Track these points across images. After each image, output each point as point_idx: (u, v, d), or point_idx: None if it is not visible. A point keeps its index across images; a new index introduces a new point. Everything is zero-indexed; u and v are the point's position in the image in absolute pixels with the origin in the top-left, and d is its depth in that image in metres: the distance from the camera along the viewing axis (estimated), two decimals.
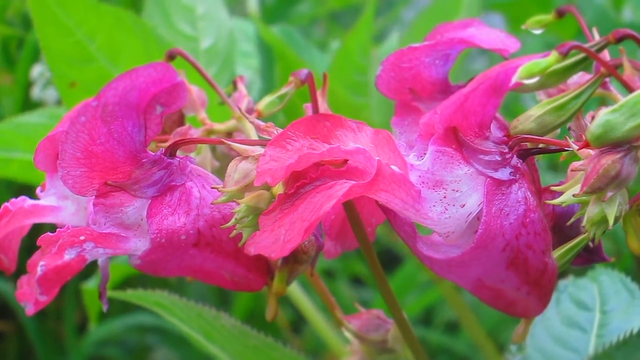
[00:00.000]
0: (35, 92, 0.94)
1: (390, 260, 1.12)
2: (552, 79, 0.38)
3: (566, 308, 0.53)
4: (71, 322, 1.05)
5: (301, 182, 0.36)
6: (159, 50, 0.45)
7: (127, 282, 0.74)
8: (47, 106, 0.94)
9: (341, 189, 0.35)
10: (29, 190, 0.44)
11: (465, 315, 0.83)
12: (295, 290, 0.70)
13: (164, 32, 0.66)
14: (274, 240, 0.35)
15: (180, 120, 0.47)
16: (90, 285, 0.74)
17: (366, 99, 0.79)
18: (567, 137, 0.39)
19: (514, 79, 0.35)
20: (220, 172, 0.46)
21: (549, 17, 0.43)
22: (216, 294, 1.05)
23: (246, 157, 0.37)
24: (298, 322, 1.12)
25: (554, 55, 0.36)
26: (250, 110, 0.45)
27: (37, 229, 0.46)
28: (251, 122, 0.39)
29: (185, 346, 1.04)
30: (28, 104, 0.98)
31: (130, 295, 0.54)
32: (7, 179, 0.71)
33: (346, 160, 0.36)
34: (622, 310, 0.54)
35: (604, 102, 0.63)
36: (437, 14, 0.81)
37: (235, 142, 0.38)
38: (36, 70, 0.95)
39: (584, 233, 0.37)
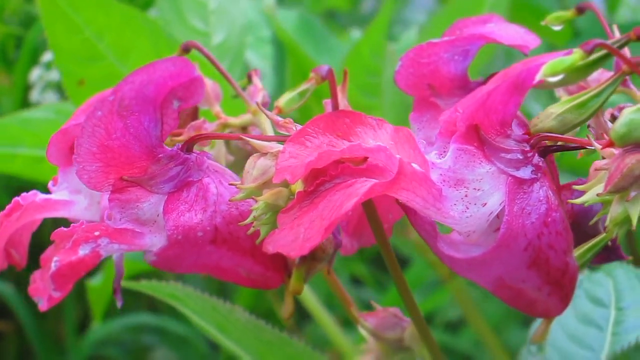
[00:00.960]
0: (34, 96, 0.94)
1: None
2: (575, 76, 0.37)
3: (581, 305, 0.53)
4: (71, 322, 1.04)
5: (321, 179, 0.35)
6: (169, 48, 0.45)
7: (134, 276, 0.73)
8: None
9: (362, 187, 0.34)
10: (28, 190, 0.44)
11: (471, 313, 0.83)
12: None
13: (175, 28, 0.66)
14: (293, 239, 0.34)
15: (194, 114, 0.46)
16: (95, 282, 0.74)
17: (378, 99, 0.78)
18: (589, 135, 0.38)
19: (538, 77, 0.35)
20: (235, 166, 0.46)
21: (568, 13, 0.43)
22: (215, 289, 1.05)
23: (265, 154, 0.36)
24: (300, 319, 1.11)
25: (577, 52, 0.36)
26: (265, 104, 0.45)
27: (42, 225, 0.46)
28: (269, 118, 0.38)
29: (185, 346, 1.04)
30: (27, 107, 0.97)
31: (144, 286, 0.54)
32: (6, 178, 0.70)
33: (366, 158, 0.36)
34: (637, 306, 0.53)
35: None
36: (459, 10, 0.80)
37: (254, 138, 0.37)
38: (35, 74, 0.94)
39: (604, 232, 0.36)
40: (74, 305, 1.04)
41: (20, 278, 0.96)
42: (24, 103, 0.99)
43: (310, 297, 0.70)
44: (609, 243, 0.40)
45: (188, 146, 0.38)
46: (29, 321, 1.00)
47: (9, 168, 0.67)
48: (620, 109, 0.43)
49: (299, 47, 0.76)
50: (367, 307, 0.48)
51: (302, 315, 0.95)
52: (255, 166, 0.36)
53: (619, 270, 0.54)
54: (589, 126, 0.42)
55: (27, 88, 0.98)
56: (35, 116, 0.66)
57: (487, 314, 0.93)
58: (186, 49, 0.44)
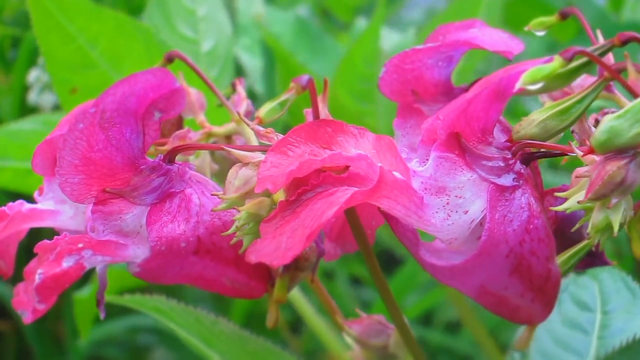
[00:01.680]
0: (32, 97, 0.94)
1: (390, 262, 1.12)
2: (555, 83, 0.37)
3: (567, 309, 0.53)
4: (70, 323, 1.04)
5: (302, 188, 0.35)
6: (162, 56, 0.45)
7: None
8: (43, 111, 0.93)
9: (343, 195, 0.34)
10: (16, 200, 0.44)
11: (467, 315, 0.82)
12: (293, 291, 0.70)
13: (165, 35, 0.66)
14: (275, 248, 0.34)
15: (179, 123, 0.46)
16: (83, 294, 0.74)
17: (371, 106, 0.78)
18: (570, 141, 0.38)
19: (518, 85, 0.35)
20: (220, 175, 0.46)
21: (551, 18, 0.43)
22: (214, 296, 1.05)
23: (247, 164, 0.36)
24: (297, 323, 1.11)
25: (557, 60, 0.35)
26: (249, 113, 0.45)
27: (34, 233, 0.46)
28: (251, 128, 0.38)
29: (184, 346, 1.04)
30: (25, 107, 0.97)
31: (128, 300, 0.54)
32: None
33: (348, 167, 0.36)
34: (623, 310, 0.53)
35: None
36: (456, 14, 0.80)
37: (236, 149, 0.37)
38: (33, 75, 0.94)
39: (588, 238, 0.36)
40: (73, 305, 1.04)
41: (18, 278, 0.96)
42: (23, 104, 0.99)
43: (303, 303, 0.70)
44: (593, 248, 0.41)
45: (170, 157, 0.38)
46: None
47: None
48: (604, 114, 0.43)
49: (287, 53, 0.76)
50: (367, 307, 0.48)
51: (299, 321, 0.95)
52: (237, 176, 0.36)
53: (604, 273, 0.54)
54: (572, 131, 0.42)
55: (25, 89, 0.98)
56: (23, 128, 0.66)
57: (483, 315, 0.93)
58: (170, 59, 0.44)
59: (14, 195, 0.48)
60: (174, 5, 0.68)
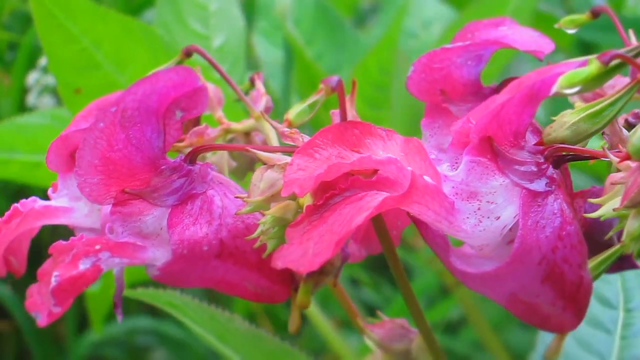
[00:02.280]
0: (31, 100, 0.92)
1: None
2: (589, 86, 0.36)
3: (590, 306, 0.52)
4: (70, 322, 1.03)
5: (330, 193, 0.34)
6: (167, 57, 0.44)
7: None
8: None
9: (373, 200, 0.33)
10: (25, 195, 0.43)
11: (472, 312, 0.82)
12: None
13: (175, 31, 0.65)
14: (302, 254, 0.33)
15: (197, 119, 0.45)
16: (94, 289, 0.73)
17: (385, 112, 0.77)
18: (605, 146, 0.37)
19: (554, 89, 0.34)
20: (237, 172, 0.45)
21: (582, 17, 0.42)
22: (214, 296, 1.04)
23: (272, 166, 0.35)
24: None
25: (594, 64, 0.34)
26: (268, 109, 0.44)
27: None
28: (275, 128, 0.37)
29: (183, 347, 1.03)
30: (24, 110, 0.96)
31: (143, 294, 0.53)
32: (4, 182, 0.69)
33: (376, 170, 0.35)
34: None
35: None
36: (484, 11, 0.79)
37: (259, 149, 0.36)
38: (32, 78, 0.93)
39: (619, 243, 0.36)
40: (74, 305, 1.03)
41: (17, 279, 0.95)
42: (22, 106, 0.98)
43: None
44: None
45: (191, 157, 0.37)
46: (27, 321, 1.00)
47: (5, 173, 0.67)
48: (635, 115, 0.42)
49: (305, 54, 0.75)
50: (366, 308, 0.47)
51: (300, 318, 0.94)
52: (263, 179, 0.35)
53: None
54: (603, 133, 0.41)
55: (24, 91, 0.97)
56: (31, 122, 0.66)
57: (487, 314, 0.92)
58: (188, 54, 0.43)
59: (15, 194, 0.47)
60: (185, 1, 0.67)
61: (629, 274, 0.54)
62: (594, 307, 0.52)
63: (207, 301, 0.53)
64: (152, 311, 1.04)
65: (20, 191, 0.55)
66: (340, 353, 0.70)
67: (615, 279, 0.54)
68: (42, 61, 0.93)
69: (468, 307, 0.82)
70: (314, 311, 0.68)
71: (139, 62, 0.61)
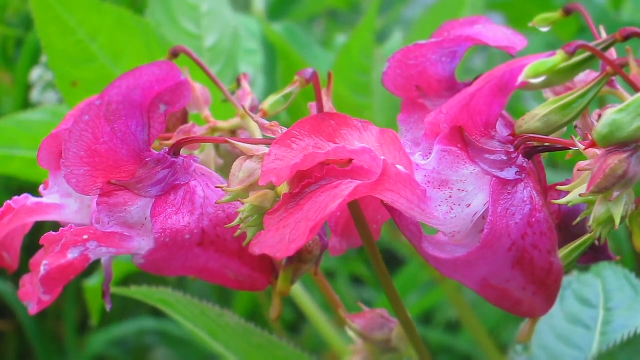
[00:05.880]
0: (35, 95, 0.94)
1: (391, 261, 1.12)
2: (559, 78, 0.37)
3: (570, 305, 0.53)
4: (71, 322, 1.04)
5: (306, 181, 0.35)
6: (161, 50, 0.45)
7: (129, 280, 0.73)
8: None
9: (347, 188, 0.34)
10: (28, 190, 0.44)
11: (467, 315, 0.83)
12: (296, 288, 0.70)
13: (167, 31, 0.66)
14: (279, 240, 0.34)
15: (184, 118, 0.46)
16: (92, 282, 0.74)
17: (369, 99, 0.78)
18: (573, 135, 0.38)
19: (521, 79, 0.35)
20: (224, 170, 0.46)
21: (555, 15, 0.43)
22: (217, 292, 1.05)
23: (251, 157, 0.37)
24: (297, 321, 1.12)
25: (560, 54, 0.36)
26: (254, 108, 0.45)
27: (38, 228, 0.46)
28: (255, 121, 0.39)
29: (185, 346, 1.04)
30: (28, 106, 0.97)
31: (134, 292, 0.54)
32: (6, 178, 0.70)
33: (351, 160, 0.36)
34: (626, 307, 0.53)
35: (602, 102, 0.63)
36: (441, 13, 0.81)
37: (240, 142, 0.37)
38: (35, 73, 0.95)
39: (590, 232, 0.37)
40: (74, 305, 1.04)
41: (20, 277, 0.97)
42: (25, 103, 0.99)
43: (305, 299, 0.70)
44: (597, 243, 0.41)
45: (175, 150, 0.38)
46: (29, 321, 1.01)
47: (7, 169, 0.68)
48: (607, 109, 0.43)
49: (290, 48, 0.76)
50: (369, 306, 0.48)
51: (300, 316, 0.95)
52: (242, 169, 0.37)
53: (608, 271, 0.54)
54: (576, 126, 0.42)
55: (28, 88, 0.99)
56: (33, 118, 0.67)
57: (483, 314, 0.93)
58: (175, 54, 0.44)
59: (15, 191, 0.48)
60: (177, 1, 0.69)
61: (610, 276, 0.55)
62: (574, 307, 0.54)
63: (214, 300, 0.54)
64: (154, 310, 1.06)
65: (22, 187, 0.56)
66: (339, 351, 0.70)
67: (595, 281, 0.55)
68: (46, 57, 0.95)
69: (462, 310, 0.83)
70: (313, 310, 0.69)
71: (134, 54, 0.62)
